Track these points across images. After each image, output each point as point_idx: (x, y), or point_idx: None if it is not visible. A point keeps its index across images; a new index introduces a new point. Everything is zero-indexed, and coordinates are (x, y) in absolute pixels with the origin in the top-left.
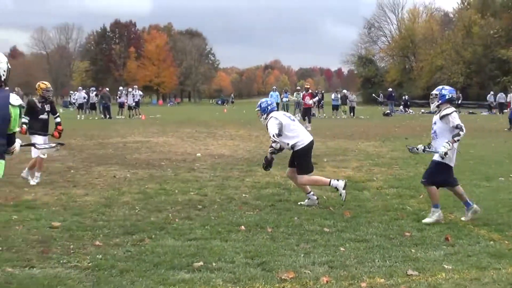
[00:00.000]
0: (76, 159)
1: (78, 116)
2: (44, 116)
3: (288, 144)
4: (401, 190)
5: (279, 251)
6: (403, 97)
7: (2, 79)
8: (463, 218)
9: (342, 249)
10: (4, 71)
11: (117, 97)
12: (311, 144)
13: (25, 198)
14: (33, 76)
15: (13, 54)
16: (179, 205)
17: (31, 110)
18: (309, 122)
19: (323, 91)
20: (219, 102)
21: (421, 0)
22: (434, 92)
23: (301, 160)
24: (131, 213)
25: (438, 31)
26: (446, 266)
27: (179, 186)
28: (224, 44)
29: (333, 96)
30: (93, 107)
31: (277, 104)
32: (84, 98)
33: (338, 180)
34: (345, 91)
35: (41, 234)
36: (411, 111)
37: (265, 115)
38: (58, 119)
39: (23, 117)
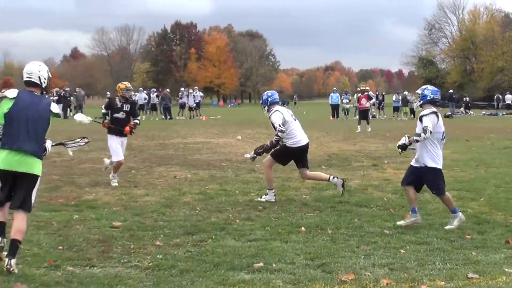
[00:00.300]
0: (137, 160)
1: (139, 117)
2: (119, 115)
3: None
4: (461, 192)
5: (339, 253)
6: (464, 98)
7: (43, 86)
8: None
9: (402, 251)
10: (45, 78)
11: (178, 98)
12: (306, 146)
13: (86, 198)
14: (94, 77)
15: (74, 55)
16: (240, 206)
17: (109, 107)
18: (368, 123)
19: (383, 93)
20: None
21: (481, 1)
22: (418, 91)
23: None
24: (191, 214)
25: (499, 32)
26: (506, 270)
27: (240, 187)
28: (284, 45)
29: (394, 97)
30: (154, 108)
31: (337, 106)
32: (145, 99)
33: (337, 178)
34: (405, 92)
35: (102, 233)
36: (471, 112)
37: (266, 106)
38: (137, 121)
39: (103, 110)
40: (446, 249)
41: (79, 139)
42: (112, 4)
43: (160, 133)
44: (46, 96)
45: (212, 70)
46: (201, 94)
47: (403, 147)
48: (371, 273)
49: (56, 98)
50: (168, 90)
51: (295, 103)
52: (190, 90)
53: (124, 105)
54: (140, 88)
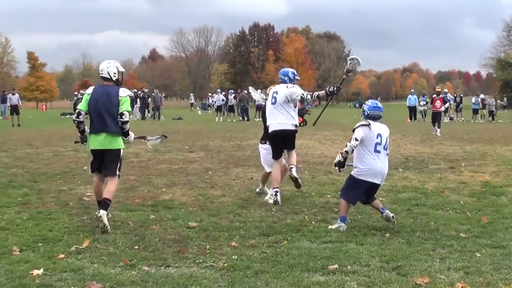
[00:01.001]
0: (214, 161)
1: (217, 118)
2: None
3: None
4: None
5: (415, 256)
6: None
7: (114, 79)
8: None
9: (478, 255)
10: (114, 73)
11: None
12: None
13: (162, 198)
14: (172, 78)
15: (153, 57)
16: (315, 208)
17: None
18: (439, 127)
19: (461, 95)
20: (357, 105)
21: None
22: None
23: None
24: (267, 215)
25: None
26: None
27: (316, 189)
28: (362, 46)
29: (473, 99)
30: (231, 109)
31: (415, 108)
32: (223, 100)
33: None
34: (482, 95)
35: (177, 234)
36: None
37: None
38: None
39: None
40: None
41: (158, 136)
42: (189, 5)
43: (238, 134)
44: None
45: None
46: None
47: (341, 165)
48: (446, 276)
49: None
50: (246, 91)
51: None
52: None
53: None
54: (218, 90)
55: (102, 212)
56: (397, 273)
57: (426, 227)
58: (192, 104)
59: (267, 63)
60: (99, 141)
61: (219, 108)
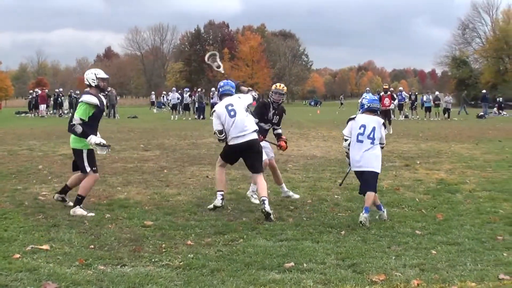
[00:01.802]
0: (169, 159)
1: (172, 116)
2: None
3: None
4: (494, 193)
5: (370, 253)
6: (497, 99)
7: (93, 85)
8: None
9: (433, 252)
10: (93, 79)
11: (210, 98)
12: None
13: (118, 197)
14: (127, 76)
15: (108, 55)
16: (271, 206)
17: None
18: (389, 124)
19: (416, 93)
20: (312, 103)
21: None
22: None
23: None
24: (223, 213)
25: None
26: None
27: (272, 187)
28: (317, 45)
29: (424, 97)
30: (186, 107)
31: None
32: (178, 98)
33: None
34: (437, 92)
35: (133, 232)
36: (505, 113)
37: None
38: (279, 131)
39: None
40: (477, 250)
41: (106, 147)
42: (144, 4)
43: (193, 133)
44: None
45: (246, 70)
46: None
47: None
48: (401, 273)
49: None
50: (199, 89)
51: (341, 104)
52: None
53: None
54: (173, 88)
55: (57, 196)
56: (353, 271)
57: (381, 224)
58: (153, 103)
59: (222, 62)
60: (70, 141)
61: (174, 107)
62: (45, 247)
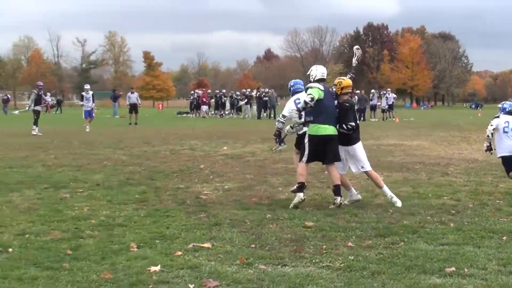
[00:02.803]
0: None
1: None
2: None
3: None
4: None
5: None
6: None
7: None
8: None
9: None
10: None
11: (370, 100)
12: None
13: (279, 197)
14: (287, 78)
15: (268, 56)
16: (432, 209)
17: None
18: None
19: None
20: (473, 106)
21: None
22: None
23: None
24: (384, 216)
25: None
26: None
27: (433, 190)
28: (477, 46)
29: None
30: (391, 108)
31: None
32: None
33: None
34: None
35: (294, 233)
36: None
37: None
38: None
39: None
40: None
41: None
42: (303, 6)
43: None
44: None
45: (405, 72)
46: (394, 95)
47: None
48: None
49: (245, 99)
50: (358, 91)
51: None
52: (383, 92)
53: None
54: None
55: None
56: None
57: None
58: None
59: (382, 63)
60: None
61: None
62: (206, 245)
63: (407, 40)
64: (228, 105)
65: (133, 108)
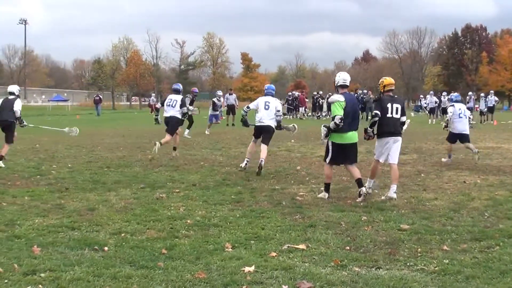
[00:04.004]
0: (427, 163)
1: (430, 120)
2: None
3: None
4: None
5: None
6: None
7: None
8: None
9: None
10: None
11: (466, 102)
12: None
13: (374, 199)
14: None
15: (366, 58)
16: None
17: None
18: None
19: None
20: None
21: None
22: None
23: None
24: (479, 219)
25: None
26: None
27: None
28: None
29: None
30: (444, 111)
31: None
32: (436, 102)
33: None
34: None
35: (389, 235)
36: None
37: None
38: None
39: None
40: None
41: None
42: (399, 7)
43: None
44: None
45: (504, 74)
46: (496, 98)
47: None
48: None
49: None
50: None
51: None
52: (482, 94)
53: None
54: (431, 92)
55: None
56: None
57: None
58: (421, 107)
59: (480, 65)
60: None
61: (431, 111)
62: (301, 246)
63: (506, 42)
64: (325, 106)
65: (231, 109)
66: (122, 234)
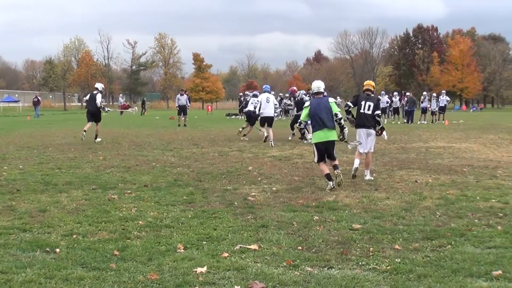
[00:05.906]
0: (378, 163)
1: (385, 120)
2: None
3: None
4: None
5: None
6: None
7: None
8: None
9: None
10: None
11: (420, 102)
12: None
13: (326, 199)
14: (337, 80)
15: (317, 58)
16: (480, 212)
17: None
18: None
19: None
20: None
21: None
22: None
23: None
24: (431, 218)
25: None
26: None
27: (481, 193)
28: None
29: None
30: (396, 111)
31: None
32: (387, 102)
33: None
34: None
35: (341, 235)
36: None
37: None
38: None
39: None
40: None
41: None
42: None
43: (402, 137)
44: None
45: (455, 74)
46: (448, 98)
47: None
48: None
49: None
50: (408, 93)
51: None
52: (434, 94)
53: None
54: (382, 92)
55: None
56: None
57: None
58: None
59: (431, 66)
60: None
61: (383, 111)
62: (253, 247)
63: (457, 42)
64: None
65: (182, 110)
66: (74, 236)
